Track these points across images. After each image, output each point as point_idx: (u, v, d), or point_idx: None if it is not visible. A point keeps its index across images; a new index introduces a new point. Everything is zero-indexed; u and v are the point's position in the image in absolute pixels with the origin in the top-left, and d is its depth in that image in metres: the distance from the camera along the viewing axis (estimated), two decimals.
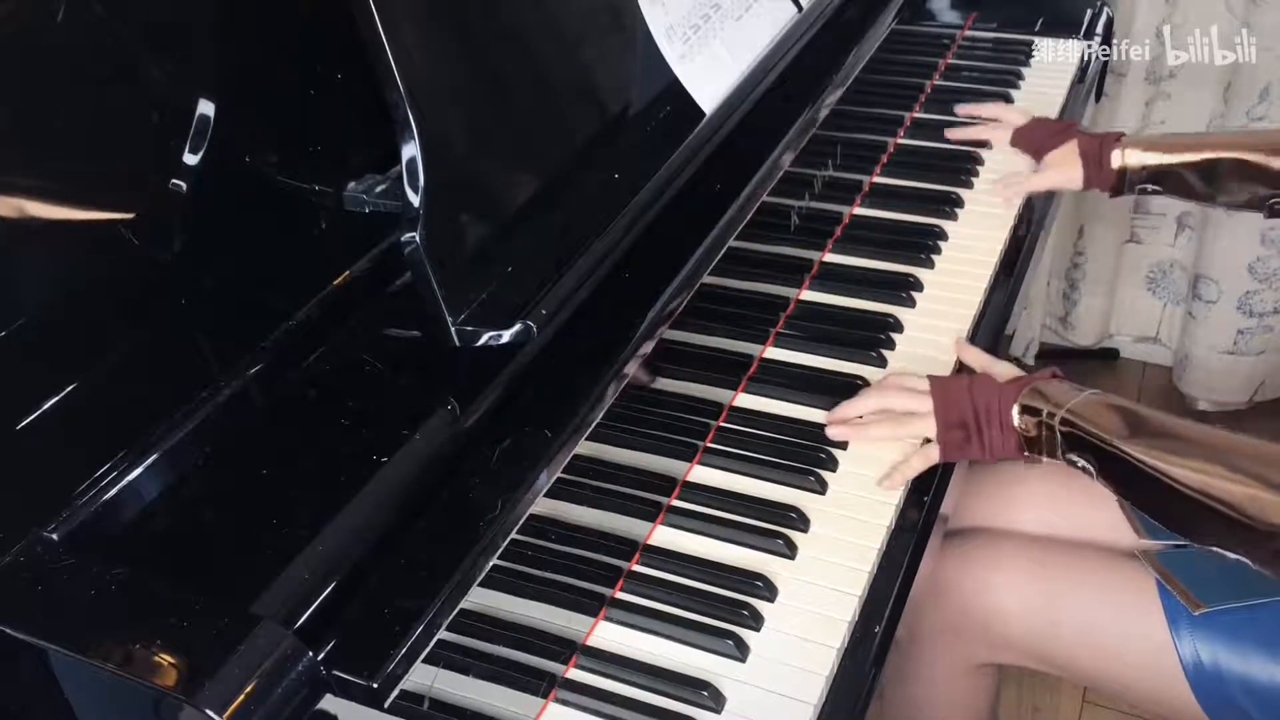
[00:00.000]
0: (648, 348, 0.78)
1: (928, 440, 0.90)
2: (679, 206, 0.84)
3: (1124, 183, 1.14)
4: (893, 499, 0.88)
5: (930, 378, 0.92)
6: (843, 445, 0.93)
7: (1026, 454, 0.87)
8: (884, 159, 1.29)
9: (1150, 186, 1.13)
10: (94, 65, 0.65)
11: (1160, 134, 1.21)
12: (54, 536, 0.57)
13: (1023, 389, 0.87)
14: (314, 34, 0.76)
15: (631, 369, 0.76)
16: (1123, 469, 0.81)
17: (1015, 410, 0.86)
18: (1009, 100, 1.40)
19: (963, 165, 1.28)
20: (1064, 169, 1.18)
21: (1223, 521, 0.76)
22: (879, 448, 0.92)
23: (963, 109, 1.32)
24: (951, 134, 1.30)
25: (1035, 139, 1.22)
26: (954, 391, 0.89)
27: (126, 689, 0.52)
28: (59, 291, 0.65)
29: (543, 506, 0.70)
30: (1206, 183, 1.10)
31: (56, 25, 0.61)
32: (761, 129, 0.95)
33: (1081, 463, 0.84)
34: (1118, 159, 1.13)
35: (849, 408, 0.93)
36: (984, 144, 1.29)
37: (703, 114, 0.89)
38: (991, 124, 1.29)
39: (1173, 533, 0.82)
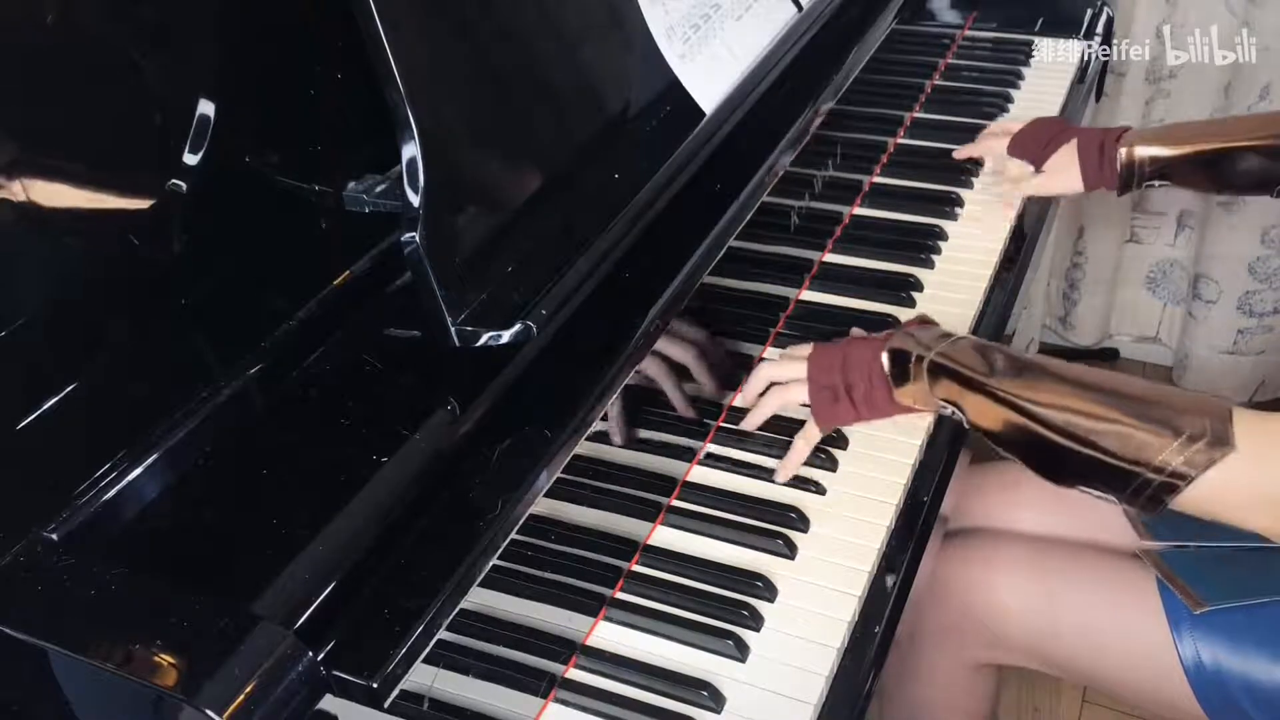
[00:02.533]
0: (648, 348, 0.78)
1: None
2: (679, 206, 0.84)
3: (1132, 178, 1.11)
4: (893, 499, 0.88)
5: (814, 346, 0.91)
6: (842, 445, 0.93)
7: (901, 404, 0.86)
8: (884, 159, 1.29)
9: (1158, 181, 1.11)
10: (94, 65, 0.65)
11: (1162, 126, 1.17)
12: (54, 536, 0.57)
13: (892, 335, 0.87)
14: (314, 34, 0.76)
15: (632, 369, 0.76)
16: (990, 409, 0.80)
17: (885, 356, 0.85)
18: (1009, 100, 1.40)
19: (963, 165, 1.28)
20: (1062, 174, 1.15)
21: (1088, 461, 0.75)
22: (877, 446, 0.92)
23: (959, 151, 1.28)
24: (957, 153, 1.27)
25: (1033, 145, 1.19)
26: (828, 353, 0.89)
27: (126, 689, 0.52)
28: (59, 291, 0.65)
29: (543, 506, 0.70)
30: (1215, 171, 1.08)
31: (56, 24, 0.61)
32: (761, 129, 0.95)
33: (950, 409, 0.83)
34: (1124, 155, 1.11)
35: (748, 387, 0.94)
36: (979, 161, 1.27)
37: (703, 114, 0.89)
38: (988, 138, 1.24)
39: (1043, 478, 0.80)
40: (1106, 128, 1.15)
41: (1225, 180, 1.09)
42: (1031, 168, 1.19)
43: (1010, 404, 0.79)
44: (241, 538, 0.60)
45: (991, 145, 1.24)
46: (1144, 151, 1.10)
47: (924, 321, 0.89)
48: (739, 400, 0.96)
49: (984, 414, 0.81)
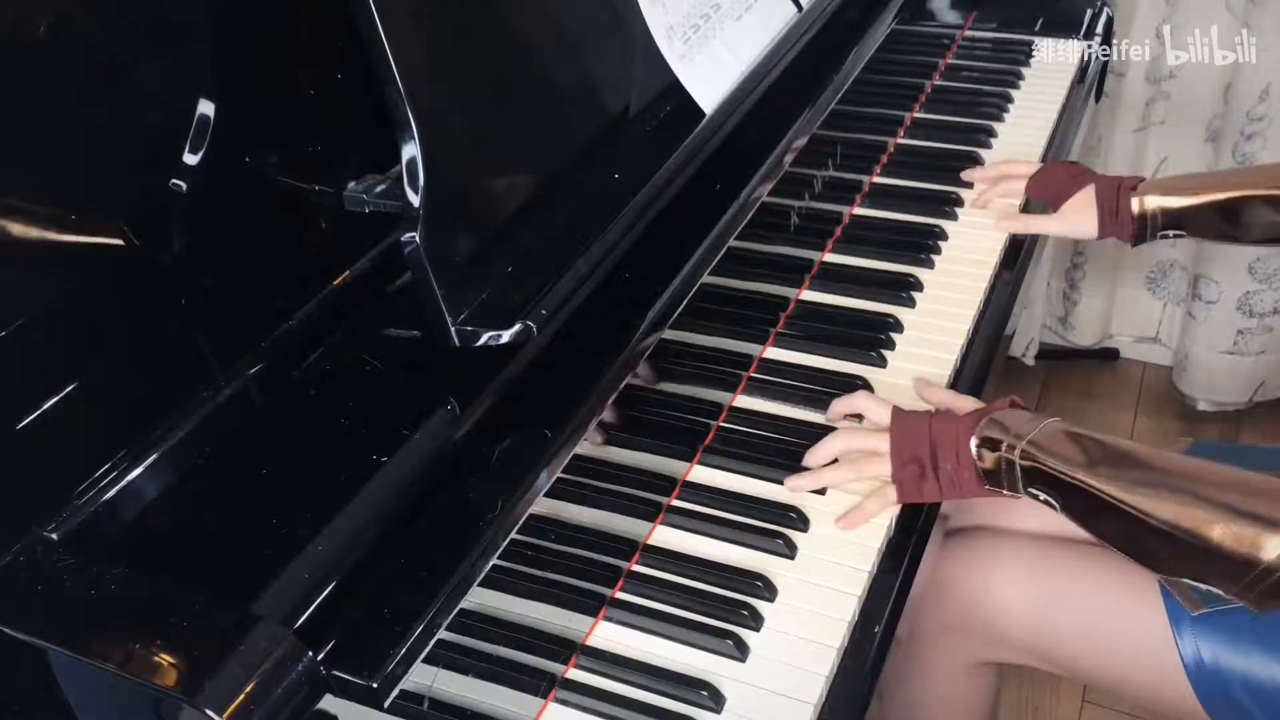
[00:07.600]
0: (647, 348, 0.78)
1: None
2: (679, 206, 0.84)
3: (1145, 230, 1.11)
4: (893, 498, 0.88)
5: (893, 412, 0.89)
6: None
7: (987, 487, 0.84)
8: (884, 159, 1.30)
9: (1172, 232, 1.10)
10: (94, 64, 0.65)
11: (1175, 176, 1.15)
12: (54, 536, 0.57)
13: (980, 420, 0.85)
14: (314, 34, 0.76)
15: (631, 369, 0.76)
16: (1087, 502, 0.79)
17: (973, 443, 0.84)
18: (1009, 99, 1.40)
19: (963, 165, 1.28)
20: (1079, 217, 1.14)
21: (1197, 555, 0.74)
22: None
23: (969, 174, 1.27)
24: (968, 175, 1.25)
25: (1051, 186, 1.18)
26: (911, 427, 0.87)
27: (126, 689, 0.52)
28: (59, 291, 0.65)
29: (543, 506, 0.70)
30: (1229, 222, 1.07)
31: (56, 24, 0.61)
32: (761, 129, 0.95)
33: (1044, 496, 0.81)
34: (1135, 205, 1.10)
35: (815, 453, 0.90)
36: (979, 161, 1.28)
37: (703, 114, 0.89)
38: (1002, 172, 1.23)
39: (1145, 568, 0.79)
40: (1122, 176, 1.14)
41: (1239, 231, 1.08)
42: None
43: (1109, 498, 0.77)
44: (241, 537, 0.60)
45: (1008, 188, 1.22)
46: (1156, 202, 1.09)
47: (1012, 403, 0.87)
48: (806, 460, 0.91)
49: (1079, 507, 0.80)
